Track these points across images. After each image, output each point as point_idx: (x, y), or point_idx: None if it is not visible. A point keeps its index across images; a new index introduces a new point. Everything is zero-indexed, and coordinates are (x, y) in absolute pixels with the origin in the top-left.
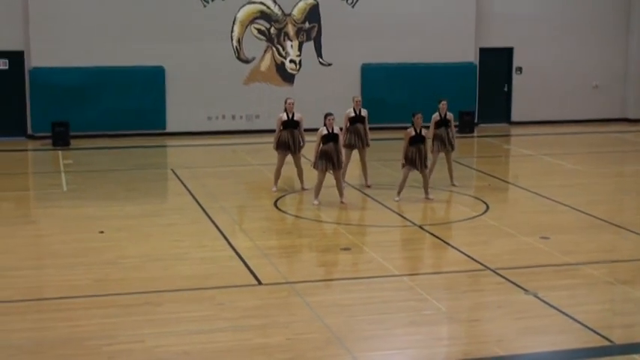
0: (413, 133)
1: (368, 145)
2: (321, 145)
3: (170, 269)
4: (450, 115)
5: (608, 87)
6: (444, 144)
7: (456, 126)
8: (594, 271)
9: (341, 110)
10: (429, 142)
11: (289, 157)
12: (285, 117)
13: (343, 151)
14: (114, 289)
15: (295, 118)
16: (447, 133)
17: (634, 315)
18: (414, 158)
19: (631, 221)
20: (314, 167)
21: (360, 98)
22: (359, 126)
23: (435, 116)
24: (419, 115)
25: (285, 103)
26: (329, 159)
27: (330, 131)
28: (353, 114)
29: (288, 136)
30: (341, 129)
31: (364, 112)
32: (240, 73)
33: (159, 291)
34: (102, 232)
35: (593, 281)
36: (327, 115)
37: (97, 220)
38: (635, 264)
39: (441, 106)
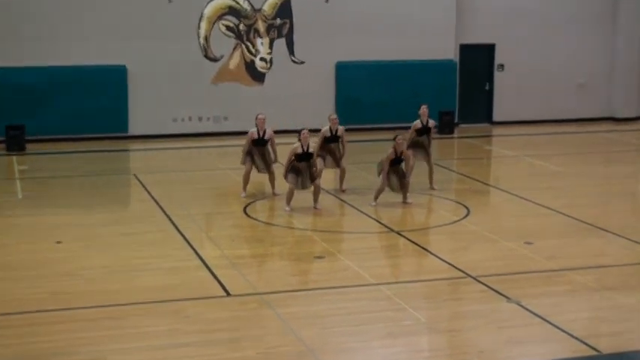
0: (393, 156)
1: (342, 157)
2: (294, 161)
3: (133, 281)
4: (432, 123)
5: (594, 85)
6: (423, 152)
7: (435, 127)
8: (580, 278)
9: (314, 111)
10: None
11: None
12: (255, 135)
13: (318, 160)
14: (73, 303)
15: (266, 137)
16: (428, 141)
17: (622, 323)
18: (392, 180)
19: (618, 225)
20: (284, 178)
21: (336, 116)
22: (333, 146)
23: (417, 123)
24: (400, 138)
25: (256, 119)
26: (300, 176)
27: (305, 150)
28: (329, 134)
29: (258, 154)
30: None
31: (340, 131)
32: (207, 72)
33: (121, 304)
34: (60, 242)
35: (579, 288)
36: (300, 131)
37: (54, 229)
38: (622, 269)
39: (421, 112)
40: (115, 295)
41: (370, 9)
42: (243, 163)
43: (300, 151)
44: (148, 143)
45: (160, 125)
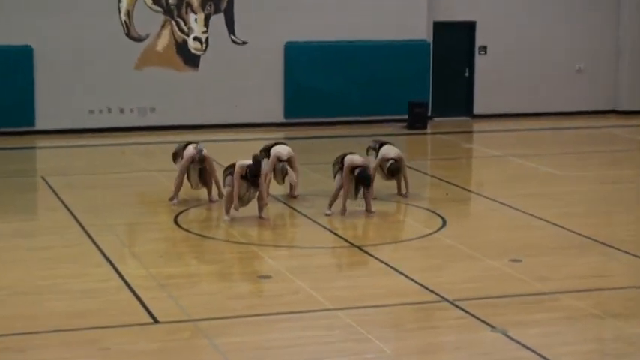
0: (353, 166)
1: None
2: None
3: (40, 305)
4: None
5: (594, 71)
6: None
7: (404, 120)
8: (577, 302)
9: (258, 102)
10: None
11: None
12: (192, 158)
13: (263, 161)
14: None
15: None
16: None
17: (627, 357)
18: (350, 185)
19: (622, 238)
20: (223, 185)
21: (288, 150)
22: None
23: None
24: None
25: (195, 150)
26: (240, 190)
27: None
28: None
29: (195, 170)
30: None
31: (290, 155)
32: (130, 55)
33: (24, 333)
34: None
35: (577, 314)
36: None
37: None
38: (628, 292)
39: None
40: (17, 322)
41: None
42: (177, 184)
43: (244, 173)
44: (60, 139)
45: (74, 118)
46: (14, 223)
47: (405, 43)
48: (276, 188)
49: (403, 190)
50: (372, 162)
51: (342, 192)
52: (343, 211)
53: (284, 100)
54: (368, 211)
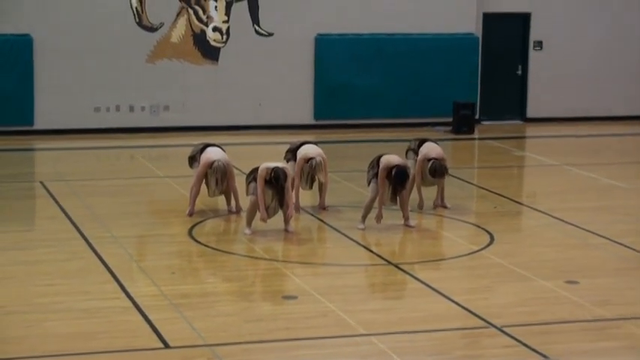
0: (389, 168)
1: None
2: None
3: (36, 326)
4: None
5: None
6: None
7: (448, 124)
8: None
9: (285, 101)
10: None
11: None
12: (212, 160)
13: (289, 164)
14: None
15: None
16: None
17: None
18: (385, 191)
19: None
20: (246, 193)
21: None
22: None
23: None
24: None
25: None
26: (265, 197)
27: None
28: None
29: (213, 177)
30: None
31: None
32: (142, 47)
33: (19, 357)
34: None
35: None
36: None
37: None
38: None
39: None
40: (10, 346)
41: None
42: (193, 194)
43: (269, 177)
44: (61, 140)
45: (78, 117)
46: (9, 233)
47: (451, 36)
48: (303, 199)
49: (447, 202)
50: (412, 166)
51: (377, 200)
52: (379, 218)
53: (314, 99)
54: (406, 223)
